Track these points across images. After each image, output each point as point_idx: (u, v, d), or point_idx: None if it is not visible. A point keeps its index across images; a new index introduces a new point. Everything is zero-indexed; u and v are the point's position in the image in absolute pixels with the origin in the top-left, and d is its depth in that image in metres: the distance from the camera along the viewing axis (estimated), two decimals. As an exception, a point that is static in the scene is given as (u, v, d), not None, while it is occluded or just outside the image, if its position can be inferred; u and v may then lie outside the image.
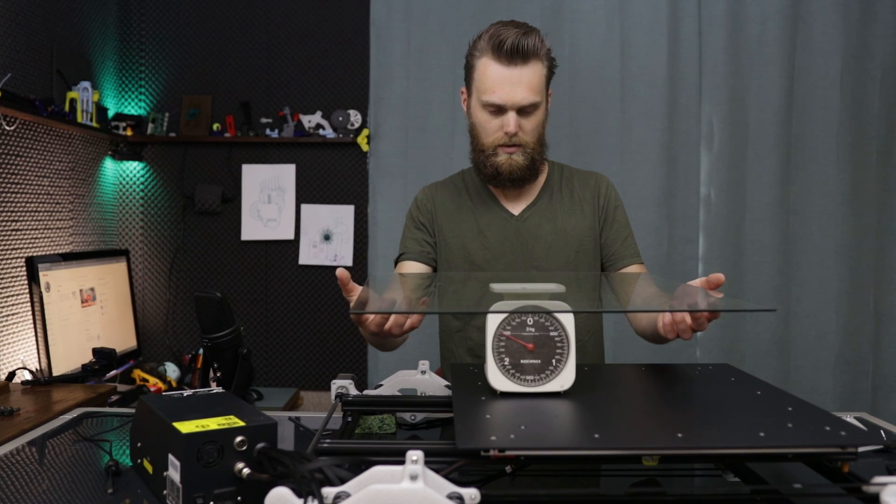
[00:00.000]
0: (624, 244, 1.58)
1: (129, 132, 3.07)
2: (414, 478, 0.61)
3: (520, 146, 1.43)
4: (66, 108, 2.69)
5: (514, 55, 1.36)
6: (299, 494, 0.63)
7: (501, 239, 1.54)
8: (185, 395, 0.91)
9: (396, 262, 1.61)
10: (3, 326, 2.36)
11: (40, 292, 2.37)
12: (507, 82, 1.37)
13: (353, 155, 3.13)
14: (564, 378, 0.92)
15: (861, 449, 0.74)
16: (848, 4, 2.78)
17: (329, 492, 0.63)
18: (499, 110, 1.41)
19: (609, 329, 2.80)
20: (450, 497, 0.62)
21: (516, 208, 1.55)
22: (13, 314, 2.41)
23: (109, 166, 3.12)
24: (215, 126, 3.14)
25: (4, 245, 2.38)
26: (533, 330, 0.93)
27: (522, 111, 1.40)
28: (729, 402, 0.90)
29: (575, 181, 1.59)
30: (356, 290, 1.04)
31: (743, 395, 0.92)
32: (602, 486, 0.89)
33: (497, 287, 1.01)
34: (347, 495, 0.62)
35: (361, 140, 3.05)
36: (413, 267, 1.56)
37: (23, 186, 2.49)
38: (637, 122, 2.83)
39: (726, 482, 0.84)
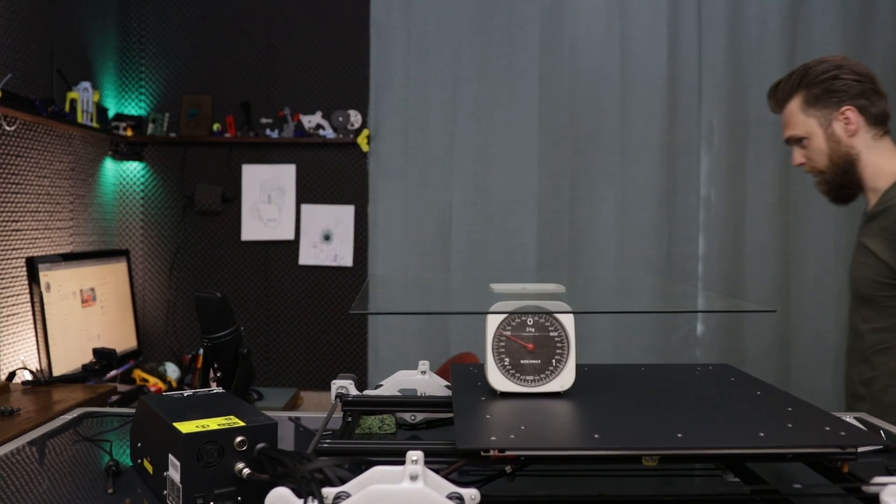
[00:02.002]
0: None
1: (129, 132, 3.07)
2: (414, 478, 0.61)
3: (813, 171, 1.57)
4: (67, 108, 2.69)
5: (772, 101, 1.61)
6: (299, 495, 0.63)
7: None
8: (185, 395, 0.91)
9: None
10: (4, 326, 2.36)
11: (40, 292, 2.37)
12: (783, 124, 1.61)
13: (353, 155, 3.13)
14: (564, 378, 0.92)
15: (861, 449, 0.74)
16: (848, 4, 2.78)
17: (329, 492, 0.63)
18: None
19: (609, 329, 2.80)
20: (450, 497, 0.62)
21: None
22: (13, 314, 2.41)
23: (110, 166, 3.12)
24: (215, 126, 3.14)
25: (4, 245, 2.38)
26: (533, 330, 0.93)
27: (797, 142, 1.57)
28: (729, 402, 0.90)
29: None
30: None
31: (743, 395, 0.92)
32: (602, 486, 0.89)
33: (497, 287, 1.01)
34: (347, 495, 0.62)
35: (361, 140, 3.05)
36: None
37: (23, 186, 2.49)
38: (637, 122, 2.83)
39: (726, 482, 0.84)
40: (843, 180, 1.52)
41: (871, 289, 1.46)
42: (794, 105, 1.53)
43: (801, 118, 1.53)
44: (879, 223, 1.46)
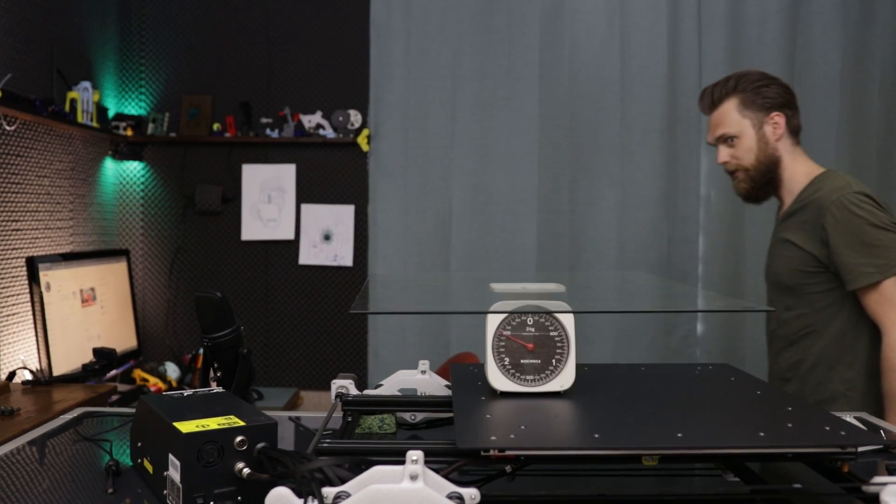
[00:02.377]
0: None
1: (129, 132, 3.07)
2: (414, 478, 0.61)
3: (736, 170, 1.69)
4: (67, 108, 2.69)
5: (705, 105, 1.72)
6: (299, 494, 0.63)
7: (770, 242, 1.81)
8: (185, 394, 0.91)
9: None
10: (4, 326, 2.36)
11: (40, 292, 2.37)
12: (710, 126, 1.73)
13: (353, 155, 3.13)
14: (564, 378, 0.92)
15: (861, 449, 0.74)
16: (848, 4, 2.78)
17: (329, 492, 0.63)
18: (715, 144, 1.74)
19: (609, 329, 2.80)
20: (450, 497, 0.62)
21: (779, 214, 1.75)
22: (13, 314, 2.41)
23: (110, 166, 3.12)
24: (215, 126, 3.14)
25: (4, 245, 2.38)
26: (533, 330, 0.93)
27: (725, 142, 1.68)
28: (729, 402, 0.90)
29: (818, 192, 1.63)
30: None
31: (743, 395, 0.92)
32: (602, 486, 0.89)
33: (497, 287, 1.01)
34: (347, 495, 0.62)
35: (361, 140, 3.05)
36: None
37: (23, 186, 2.49)
38: (637, 122, 2.83)
39: (726, 482, 0.84)
40: (765, 178, 1.66)
41: (794, 279, 1.62)
42: (730, 106, 1.66)
43: (735, 118, 1.65)
44: (799, 218, 1.62)
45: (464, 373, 1.05)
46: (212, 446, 0.75)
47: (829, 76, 2.80)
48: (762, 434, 0.75)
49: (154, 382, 2.74)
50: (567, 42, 2.86)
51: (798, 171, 1.67)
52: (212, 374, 1.49)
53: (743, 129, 1.65)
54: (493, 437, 0.75)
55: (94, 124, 2.80)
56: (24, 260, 2.41)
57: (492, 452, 0.72)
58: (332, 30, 3.15)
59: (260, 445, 0.77)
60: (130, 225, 3.22)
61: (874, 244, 1.51)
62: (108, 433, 1.13)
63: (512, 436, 0.75)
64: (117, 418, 1.23)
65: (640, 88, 2.83)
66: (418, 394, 1.14)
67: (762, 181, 1.67)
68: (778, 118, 1.64)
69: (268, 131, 3.13)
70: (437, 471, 0.65)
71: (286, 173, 3.15)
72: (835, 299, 1.58)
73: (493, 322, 0.93)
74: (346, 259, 3.13)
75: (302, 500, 0.62)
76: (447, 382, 1.14)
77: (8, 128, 2.39)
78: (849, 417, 0.83)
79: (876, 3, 2.79)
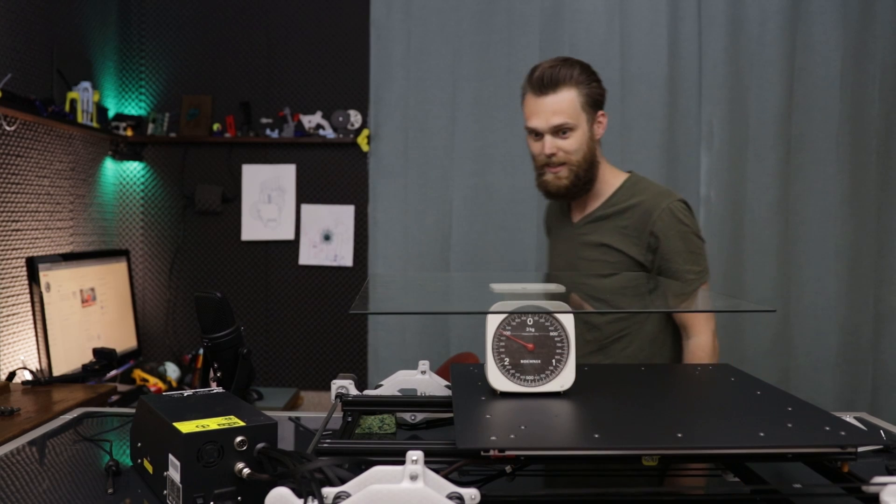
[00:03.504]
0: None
1: (129, 132, 3.07)
2: (414, 478, 0.61)
3: (563, 164, 1.60)
4: (67, 108, 2.69)
5: (543, 86, 1.57)
6: (299, 494, 0.63)
7: (562, 243, 1.75)
8: (185, 395, 0.91)
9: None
10: (4, 326, 2.36)
11: (40, 292, 2.37)
12: (539, 111, 1.58)
13: (353, 155, 3.13)
14: (564, 378, 0.92)
15: (861, 449, 0.74)
16: (848, 4, 2.78)
17: (329, 492, 0.63)
18: (537, 134, 1.61)
19: (609, 329, 2.80)
20: (450, 497, 0.62)
21: (577, 216, 1.70)
22: (13, 314, 2.41)
23: (110, 166, 3.12)
24: (215, 126, 3.14)
25: (4, 245, 2.38)
26: (533, 330, 0.93)
27: (557, 133, 1.58)
28: (729, 402, 0.90)
29: (634, 198, 1.62)
30: None
31: (743, 395, 0.92)
32: (602, 486, 0.89)
33: (497, 287, 1.01)
34: (347, 495, 0.62)
35: (361, 140, 3.05)
36: None
37: (23, 186, 2.49)
38: (637, 122, 2.83)
39: (726, 482, 0.84)
40: (587, 177, 1.61)
41: None
42: (573, 95, 1.57)
43: (577, 109, 1.57)
44: (617, 223, 1.61)
45: (464, 373, 1.05)
46: (212, 446, 0.75)
47: (829, 76, 2.79)
48: (762, 434, 0.75)
49: (154, 382, 2.74)
50: (567, 42, 2.86)
51: (607, 173, 1.66)
52: (212, 374, 1.49)
53: (580, 123, 1.58)
54: (493, 438, 0.75)
55: (94, 124, 2.80)
56: (24, 260, 2.41)
57: (492, 452, 0.72)
58: (332, 30, 3.15)
59: (260, 445, 0.77)
60: (130, 225, 3.22)
61: (695, 252, 1.58)
62: (108, 433, 1.13)
63: (512, 436, 0.75)
64: (117, 418, 1.23)
65: (640, 88, 2.82)
66: (418, 394, 1.14)
67: (585, 179, 1.61)
68: (602, 118, 1.62)
69: (268, 131, 3.13)
70: (437, 471, 0.65)
71: (286, 173, 3.15)
72: None
73: (493, 322, 0.93)
74: (346, 259, 3.13)
75: (302, 500, 0.62)
76: (447, 382, 1.14)
77: (8, 128, 2.39)
78: (849, 417, 0.83)
79: (876, 3, 2.78)
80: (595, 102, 1.60)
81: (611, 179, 1.66)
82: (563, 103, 1.56)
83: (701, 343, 1.57)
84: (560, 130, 1.57)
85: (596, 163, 1.62)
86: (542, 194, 1.69)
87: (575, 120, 1.57)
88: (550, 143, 1.58)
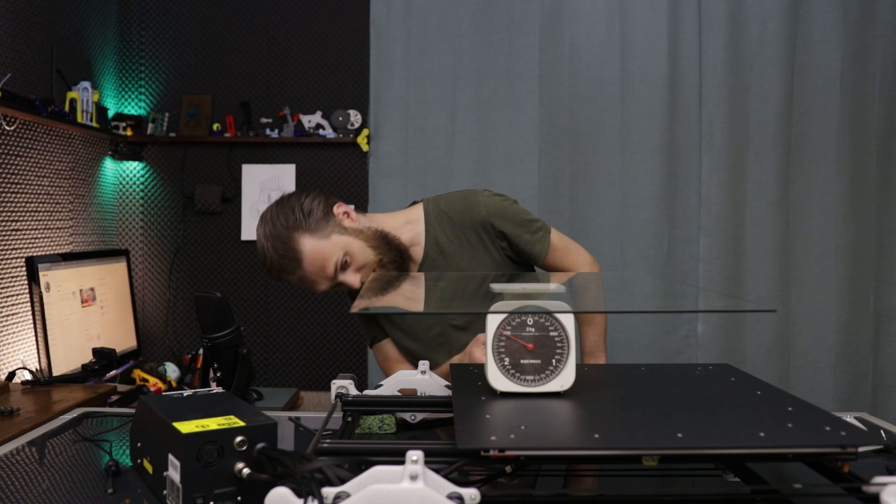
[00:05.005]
0: (536, 242, 1.56)
1: (129, 132, 3.07)
2: (414, 478, 0.61)
3: (375, 269, 1.45)
4: (66, 108, 2.69)
5: (287, 271, 1.40)
6: (299, 494, 0.63)
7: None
8: (185, 395, 0.91)
9: (371, 345, 1.63)
10: (3, 326, 2.36)
11: (40, 292, 2.37)
12: (312, 281, 1.42)
13: (353, 155, 3.13)
14: (564, 378, 0.92)
15: (861, 449, 0.74)
16: (848, 4, 2.78)
17: (329, 492, 0.63)
18: (336, 284, 1.44)
19: (609, 329, 2.79)
20: (450, 497, 0.62)
21: (412, 269, 1.56)
22: (13, 314, 2.41)
23: (109, 166, 3.12)
24: (215, 126, 3.14)
25: (4, 245, 2.38)
26: (533, 330, 0.93)
27: (344, 268, 1.42)
28: (729, 402, 0.90)
29: (452, 216, 1.56)
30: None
31: (743, 395, 0.92)
32: (602, 486, 0.89)
33: (497, 287, 1.01)
34: (347, 495, 0.62)
35: (361, 140, 3.05)
36: (388, 344, 1.61)
37: (23, 186, 2.49)
38: (637, 122, 2.83)
39: (726, 482, 0.84)
40: (396, 247, 1.49)
41: None
42: (312, 241, 1.39)
43: (329, 245, 1.40)
44: (461, 243, 1.54)
45: (464, 373, 1.05)
46: (212, 446, 0.75)
47: (829, 76, 2.80)
48: (762, 434, 0.74)
49: (154, 382, 2.73)
50: (567, 42, 2.86)
51: (391, 225, 1.53)
52: (212, 374, 1.49)
53: (336, 245, 1.41)
54: (493, 438, 0.74)
55: (94, 124, 2.80)
56: (23, 260, 2.41)
57: (492, 452, 0.72)
58: (332, 30, 3.15)
59: (260, 445, 0.77)
60: (130, 225, 3.22)
61: (525, 216, 1.55)
62: (108, 433, 1.13)
63: (512, 436, 0.75)
64: (117, 418, 1.23)
65: (640, 88, 2.82)
66: (418, 394, 1.14)
67: (397, 250, 1.49)
68: (339, 210, 1.46)
69: (268, 131, 3.13)
70: (437, 471, 0.65)
71: (286, 173, 3.15)
72: None
73: (493, 322, 0.93)
74: (345, 259, 3.12)
75: (302, 501, 0.62)
76: (447, 382, 1.14)
77: (7, 128, 2.39)
78: (849, 417, 0.83)
79: (876, 3, 2.78)
80: (325, 218, 1.42)
81: (402, 224, 1.55)
82: (317, 256, 1.39)
83: (580, 260, 1.59)
84: (342, 266, 1.41)
85: (383, 234, 1.48)
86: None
87: (338, 249, 1.40)
88: (350, 279, 1.43)
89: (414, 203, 1.62)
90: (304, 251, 1.39)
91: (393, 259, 1.47)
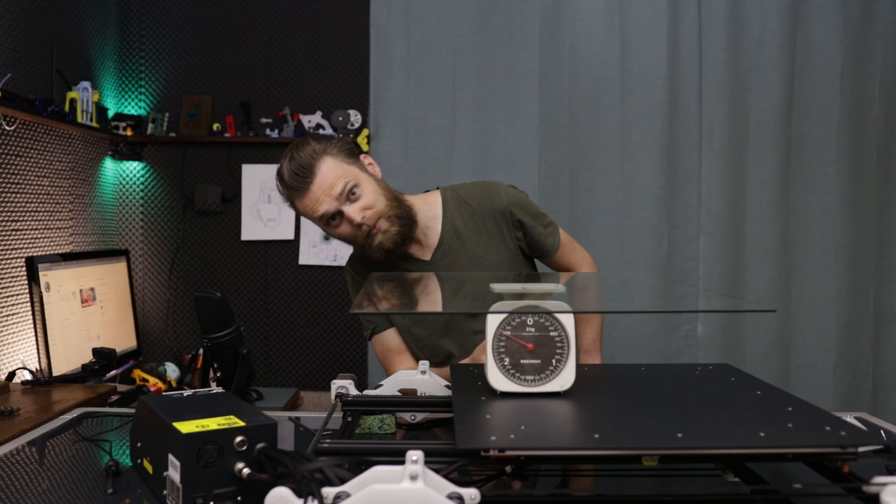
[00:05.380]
0: (549, 236, 1.60)
1: (129, 132, 3.07)
2: (414, 478, 0.61)
3: (378, 220, 1.43)
4: (66, 108, 2.69)
5: (300, 179, 1.40)
6: (299, 494, 0.63)
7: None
8: (185, 395, 0.91)
9: (371, 336, 1.59)
10: (3, 326, 2.36)
11: (40, 292, 2.37)
12: (317, 199, 1.41)
13: (353, 155, 3.12)
14: (564, 378, 0.92)
15: (861, 449, 0.74)
16: (848, 4, 2.78)
17: (329, 492, 0.63)
18: (338, 216, 1.43)
19: (609, 329, 2.80)
20: (450, 497, 0.62)
21: (426, 253, 1.56)
22: (13, 314, 2.41)
23: (109, 166, 3.12)
24: (215, 126, 3.14)
25: (4, 245, 2.38)
26: (533, 330, 0.93)
27: (350, 199, 1.41)
28: (729, 402, 0.90)
29: (471, 202, 1.57)
30: None
31: (743, 395, 0.92)
32: (602, 486, 0.89)
33: (497, 287, 1.01)
34: (347, 495, 0.62)
35: (361, 140, 3.04)
36: (391, 335, 1.58)
37: (23, 186, 2.49)
38: (637, 122, 2.83)
39: (726, 482, 0.84)
40: (407, 214, 1.49)
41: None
42: (332, 161, 1.42)
43: (345, 168, 1.43)
44: (479, 229, 1.56)
45: (464, 373, 1.05)
46: (212, 446, 0.75)
47: (829, 76, 2.80)
48: (762, 434, 0.74)
49: (154, 383, 2.73)
50: (567, 42, 2.86)
51: (409, 199, 1.54)
52: (212, 374, 1.49)
53: (358, 175, 1.44)
54: (493, 438, 0.74)
55: (94, 124, 2.80)
56: (23, 260, 2.41)
57: (492, 452, 0.72)
58: (332, 30, 3.15)
59: (260, 446, 0.77)
60: (130, 225, 3.22)
61: (539, 210, 1.59)
62: (108, 433, 1.13)
63: (512, 436, 0.75)
64: (117, 418, 1.23)
65: (640, 88, 2.82)
66: (418, 394, 1.14)
67: (407, 217, 1.48)
68: (368, 161, 1.51)
69: (268, 131, 3.13)
70: (437, 471, 0.65)
71: (286, 173, 3.15)
72: None
73: (493, 322, 0.93)
74: (345, 259, 3.12)
75: (302, 501, 0.62)
76: (447, 382, 1.14)
77: (8, 128, 2.39)
78: (849, 417, 0.83)
79: (876, 3, 2.79)
80: (351, 152, 1.46)
81: (422, 205, 1.54)
82: (330, 173, 1.40)
83: (583, 259, 1.63)
84: (348, 195, 1.41)
85: (400, 196, 1.50)
86: (381, 258, 1.47)
87: (352, 176, 1.41)
88: (353, 211, 1.41)
89: (426, 192, 1.63)
90: (321, 168, 1.40)
91: (400, 217, 1.45)
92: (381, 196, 1.45)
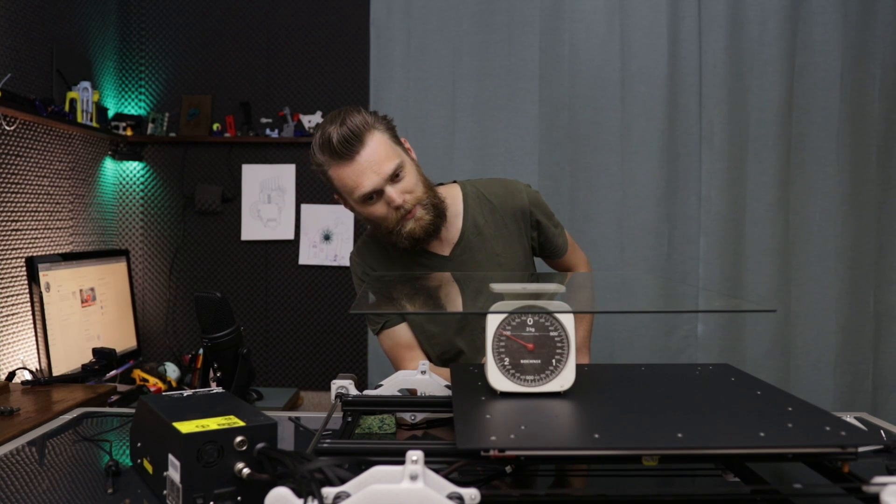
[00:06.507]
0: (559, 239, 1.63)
1: (129, 132, 3.07)
2: (414, 478, 0.61)
3: (415, 205, 1.41)
4: (66, 108, 2.69)
5: (348, 146, 1.36)
6: (299, 494, 0.63)
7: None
8: (185, 395, 0.91)
9: (380, 331, 1.57)
10: (3, 326, 2.36)
11: (40, 292, 2.37)
12: (362, 172, 1.37)
13: (353, 155, 3.12)
14: (564, 378, 0.92)
15: (861, 449, 0.74)
16: (848, 4, 2.78)
17: (329, 492, 0.63)
18: (376, 195, 1.39)
19: (609, 329, 2.80)
20: (450, 497, 0.62)
21: (445, 249, 1.54)
22: (13, 314, 2.41)
23: (109, 166, 3.12)
24: (215, 126, 3.14)
25: (4, 245, 2.38)
26: (533, 330, 0.93)
27: (393, 179, 1.39)
28: (729, 402, 0.90)
29: (492, 199, 1.56)
30: None
31: (743, 395, 0.92)
32: (602, 486, 0.89)
33: (497, 287, 1.01)
34: (347, 495, 0.62)
35: (361, 140, 3.04)
36: (402, 330, 1.55)
37: (23, 186, 2.49)
38: (637, 122, 2.83)
39: (726, 482, 0.84)
40: (440, 204, 1.46)
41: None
42: (381, 136, 1.40)
43: (394, 148, 1.42)
44: (494, 231, 1.56)
45: (464, 373, 1.05)
46: (212, 446, 0.75)
47: (829, 76, 2.79)
48: (762, 434, 0.74)
49: (154, 382, 2.73)
50: (567, 42, 2.86)
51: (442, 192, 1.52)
52: (212, 374, 1.49)
53: (403, 158, 1.42)
54: (493, 438, 0.74)
55: (94, 124, 2.80)
56: (23, 260, 2.41)
57: (492, 452, 0.72)
58: (332, 30, 3.15)
59: (260, 445, 0.77)
60: (130, 225, 3.22)
61: (551, 210, 1.62)
62: (108, 433, 1.13)
63: (512, 436, 0.75)
64: (117, 418, 1.23)
65: (640, 88, 2.82)
66: (418, 394, 1.14)
67: (440, 208, 1.46)
68: (407, 145, 1.50)
69: (267, 131, 3.13)
70: (437, 471, 0.65)
71: (286, 173, 3.15)
72: None
73: (493, 322, 0.93)
74: (345, 259, 3.12)
75: (302, 501, 0.62)
76: (447, 382, 1.14)
77: (8, 128, 2.39)
78: (849, 417, 0.83)
79: (876, 3, 2.78)
80: (395, 133, 1.46)
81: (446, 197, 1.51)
82: (380, 148, 1.37)
83: (582, 260, 1.69)
84: (393, 176, 1.38)
85: (433, 185, 1.48)
86: (406, 245, 1.45)
87: (399, 157, 1.40)
88: (394, 193, 1.38)
89: (441, 185, 1.60)
90: (370, 141, 1.37)
91: (436, 206, 1.44)
92: (419, 182, 1.43)
